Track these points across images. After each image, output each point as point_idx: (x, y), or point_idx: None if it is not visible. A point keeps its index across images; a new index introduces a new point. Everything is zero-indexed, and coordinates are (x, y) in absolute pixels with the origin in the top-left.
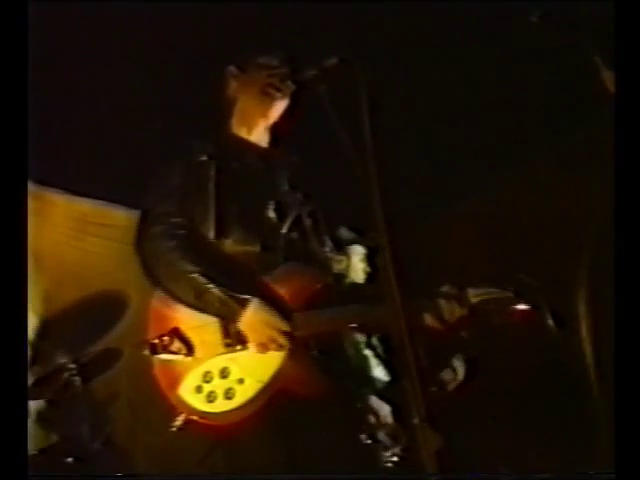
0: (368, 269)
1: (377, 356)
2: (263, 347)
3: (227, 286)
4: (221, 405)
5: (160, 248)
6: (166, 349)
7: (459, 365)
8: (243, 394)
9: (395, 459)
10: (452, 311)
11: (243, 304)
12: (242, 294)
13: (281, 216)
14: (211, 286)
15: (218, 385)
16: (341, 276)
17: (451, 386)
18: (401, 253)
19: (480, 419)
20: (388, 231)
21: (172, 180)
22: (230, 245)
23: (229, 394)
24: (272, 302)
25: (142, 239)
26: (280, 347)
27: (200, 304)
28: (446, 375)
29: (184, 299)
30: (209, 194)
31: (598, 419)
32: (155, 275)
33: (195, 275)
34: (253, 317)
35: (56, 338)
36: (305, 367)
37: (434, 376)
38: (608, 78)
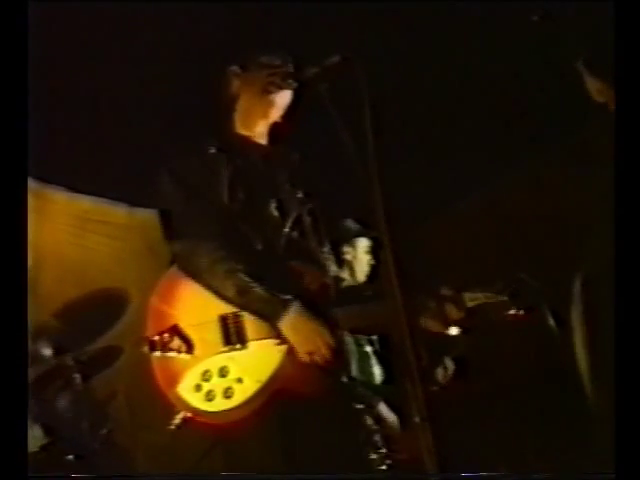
0: (373, 261)
1: (377, 353)
2: (309, 356)
3: (270, 285)
4: (220, 404)
5: (199, 247)
6: (165, 346)
7: (449, 362)
8: (242, 393)
9: (390, 462)
10: (450, 314)
11: (285, 305)
12: (284, 294)
13: (282, 215)
14: (254, 285)
15: (217, 384)
16: (339, 277)
17: (443, 381)
18: (402, 252)
19: (480, 419)
20: (389, 230)
21: (185, 178)
22: (232, 245)
23: (228, 393)
24: (314, 304)
25: (172, 238)
26: (324, 360)
27: (242, 302)
28: (438, 374)
29: (226, 296)
30: (222, 189)
31: (598, 419)
32: (194, 272)
33: (239, 273)
34: (295, 319)
35: (56, 336)
36: (304, 366)
37: (432, 375)
38: (591, 84)
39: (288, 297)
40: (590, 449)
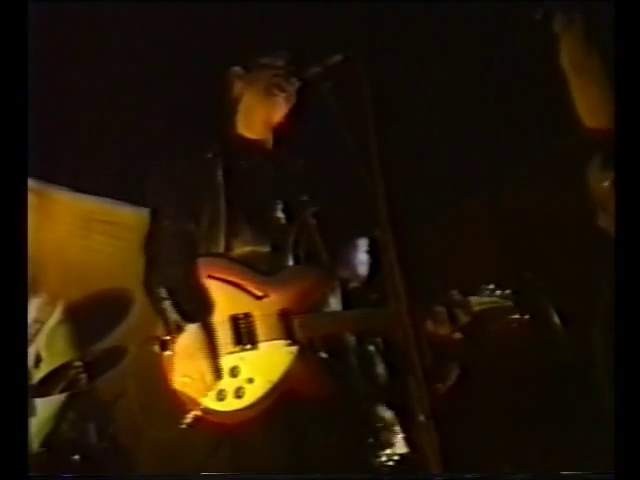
0: (372, 261)
1: (379, 356)
2: (182, 378)
3: (179, 305)
4: (231, 404)
5: (152, 253)
6: None
7: (454, 367)
8: (253, 393)
9: (397, 458)
10: (456, 318)
11: (180, 329)
12: (187, 317)
13: (288, 216)
14: (167, 301)
15: (228, 383)
16: (347, 279)
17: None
18: (406, 252)
19: (484, 418)
20: (393, 231)
21: (179, 179)
22: (238, 245)
23: (239, 393)
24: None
25: (148, 239)
26: (195, 389)
27: (157, 312)
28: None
29: (152, 304)
30: (218, 193)
31: (598, 419)
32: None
33: (161, 288)
34: (185, 342)
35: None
36: (314, 368)
37: (437, 375)
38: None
39: (184, 322)
40: (590, 449)
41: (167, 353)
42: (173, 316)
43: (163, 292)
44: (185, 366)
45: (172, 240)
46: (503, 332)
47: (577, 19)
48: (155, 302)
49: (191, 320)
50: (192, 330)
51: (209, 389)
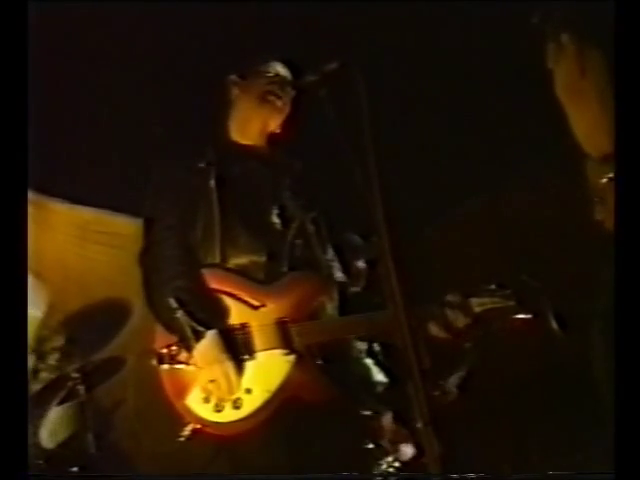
0: (369, 264)
1: (378, 362)
2: (209, 384)
3: (192, 314)
4: (229, 415)
5: (152, 265)
6: (174, 359)
7: (453, 382)
8: (251, 404)
9: (397, 464)
10: (457, 320)
11: (198, 337)
12: (203, 324)
13: (285, 223)
14: (179, 311)
15: None
16: (345, 285)
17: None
18: (404, 258)
19: (483, 420)
20: (390, 236)
21: (174, 188)
22: (234, 254)
23: (237, 404)
24: (232, 336)
25: (144, 250)
26: (220, 392)
27: (168, 325)
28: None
29: (158, 317)
30: (212, 202)
31: (598, 419)
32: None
33: (170, 298)
34: (205, 348)
35: (60, 346)
36: (312, 376)
37: (437, 382)
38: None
39: (202, 329)
40: (590, 449)
41: (165, 366)
42: (190, 324)
43: (174, 303)
44: (210, 371)
45: (172, 251)
46: (504, 333)
47: (569, 40)
48: (165, 314)
49: (207, 327)
50: (210, 336)
51: (235, 390)
